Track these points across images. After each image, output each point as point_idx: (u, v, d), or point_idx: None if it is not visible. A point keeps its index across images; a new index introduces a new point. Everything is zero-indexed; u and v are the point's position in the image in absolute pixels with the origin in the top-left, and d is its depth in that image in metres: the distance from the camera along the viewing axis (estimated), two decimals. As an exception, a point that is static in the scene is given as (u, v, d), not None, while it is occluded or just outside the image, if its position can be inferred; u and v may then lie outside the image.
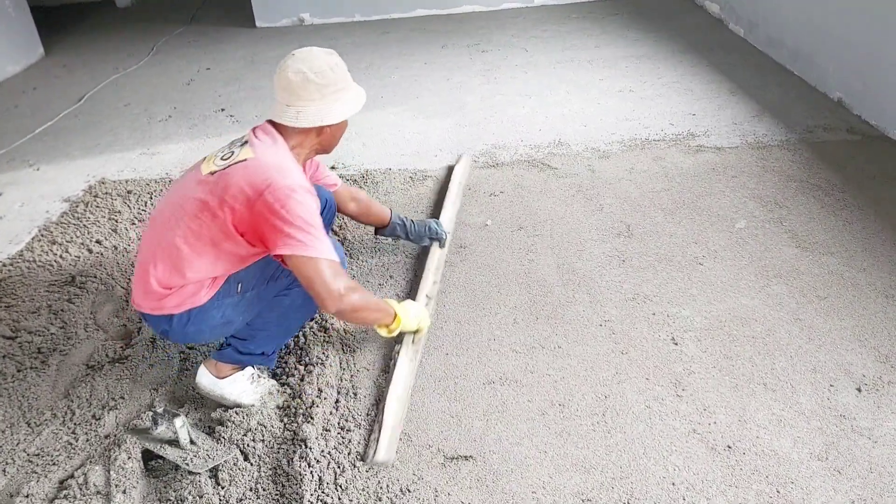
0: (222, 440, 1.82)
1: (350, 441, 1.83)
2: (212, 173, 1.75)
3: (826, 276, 2.38)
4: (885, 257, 2.45)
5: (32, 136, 3.94)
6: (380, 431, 1.80)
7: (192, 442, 1.77)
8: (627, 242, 2.62)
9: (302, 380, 2.03)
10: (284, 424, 1.89)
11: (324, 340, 2.18)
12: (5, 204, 3.19)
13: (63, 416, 1.96)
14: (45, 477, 1.76)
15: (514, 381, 2.02)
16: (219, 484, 1.71)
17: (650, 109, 3.77)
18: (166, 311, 1.78)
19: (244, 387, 1.95)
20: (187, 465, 1.72)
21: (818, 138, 3.33)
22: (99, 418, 1.94)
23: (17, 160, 3.64)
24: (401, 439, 1.84)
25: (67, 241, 2.78)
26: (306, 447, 1.77)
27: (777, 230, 2.64)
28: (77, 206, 3.05)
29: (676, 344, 2.12)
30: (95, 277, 2.54)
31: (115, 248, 2.72)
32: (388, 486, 1.71)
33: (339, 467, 1.75)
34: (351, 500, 1.66)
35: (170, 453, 1.75)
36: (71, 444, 1.87)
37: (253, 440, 1.83)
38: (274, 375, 2.07)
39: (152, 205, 3.03)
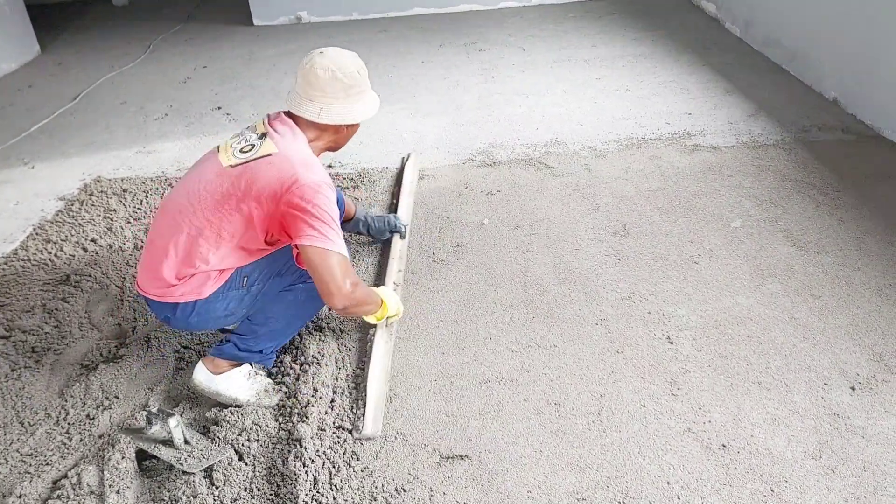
0: (217, 440, 1.82)
1: (345, 441, 1.83)
2: (233, 166, 1.77)
3: (821, 275, 2.38)
4: (879, 256, 2.46)
5: (28, 134, 3.92)
6: (364, 407, 1.89)
7: (186, 442, 1.77)
8: (623, 241, 2.62)
9: (297, 379, 2.02)
10: (279, 424, 1.89)
11: (319, 340, 2.17)
12: (0, 202, 3.18)
13: (57, 416, 1.95)
14: (39, 477, 1.75)
15: (509, 381, 2.02)
16: (213, 484, 1.71)
17: (647, 109, 3.77)
18: (172, 299, 1.81)
19: (240, 383, 1.95)
20: (181, 464, 1.71)
21: (813, 138, 3.33)
22: (93, 418, 1.94)
23: (12, 158, 3.63)
24: (396, 438, 1.84)
25: (62, 240, 2.77)
26: (301, 447, 1.77)
27: (772, 229, 2.64)
28: (72, 205, 3.04)
29: (672, 343, 2.12)
30: (90, 276, 2.53)
31: (111, 247, 2.71)
32: (383, 485, 1.71)
33: (334, 467, 1.74)
34: (346, 500, 1.66)
35: (164, 453, 1.75)
36: (65, 443, 1.86)
37: (248, 440, 1.82)
38: (269, 375, 2.06)
39: (148, 203, 3.02)
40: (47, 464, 1.80)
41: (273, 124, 1.85)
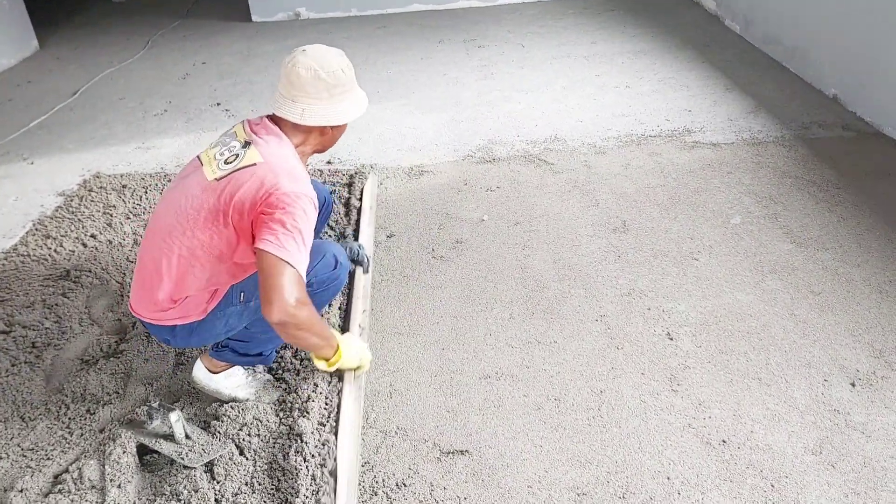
0: (217, 435, 1.82)
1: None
2: (217, 179, 1.69)
3: (820, 272, 2.39)
4: (879, 253, 2.46)
5: (27, 129, 3.91)
6: (335, 484, 1.66)
7: (187, 436, 1.77)
8: (623, 238, 2.63)
9: (297, 374, 2.02)
10: (280, 419, 1.89)
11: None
12: (-1, 198, 3.18)
13: (57, 411, 1.95)
14: (40, 471, 1.75)
15: (509, 376, 2.02)
16: (214, 478, 1.71)
17: (646, 105, 3.77)
18: (169, 323, 1.76)
19: (240, 381, 1.94)
20: (182, 459, 1.71)
21: (813, 135, 3.33)
22: (93, 413, 1.94)
23: (11, 154, 3.62)
24: (396, 433, 1.84)
25: (62, 236, 2.77)
26: (302, 442, 1.77)
27: (772, 226, 2.65)
28: (72, 201, 3.04)
29: (671, 339, 2.13)
30: (90, 272, 2.53)
31: (110, 243, 2.71)
32: (383, 480, 1.71)
33: (334, 461, 1.74)
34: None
35: (165, 448, 1.75)
36: (65, 438, 1.86)
37: (248, 435, 1.82)
38: (270, 370, 2.06)
39: (148, 199, 3.02)
40: (48, 458, 1.80)
41: (256, 130, 1.76)
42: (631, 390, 1.95)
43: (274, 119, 1.80)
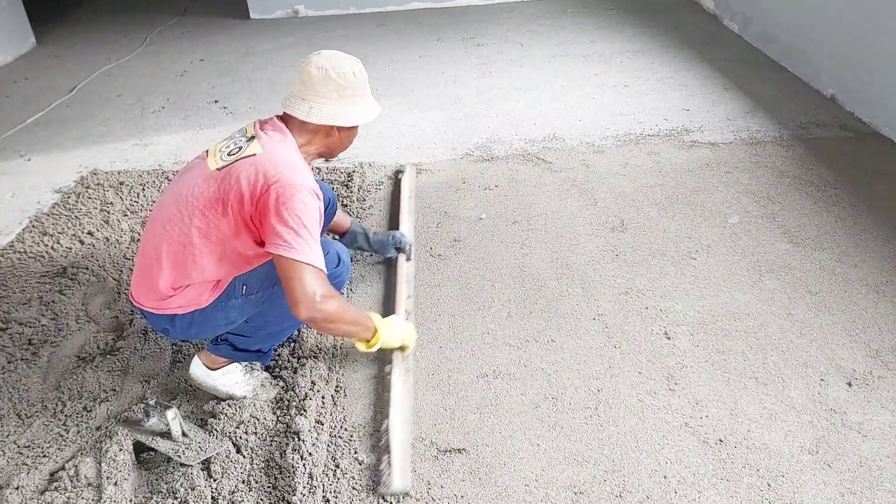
0: (214, 432, 1.82)
1: (343, 436, 1.83)
2: (219, 169, 1.71)
3: (818, 272, 2.39)
4: (876, 253, 2.46)
5: (24, 126, 3.90)
6: (390, 462, 1.71)
7: (184, 434, 1.77)
8: (621, 237, 2.63)
9: (295, 372, 2.02)
10: (277, 417, 1.89)
11: (318, 333, 2.17)
12: (-4, 194, 3.18)
13: (54, 408, 1.95)
14: (36, 469, 1.75)
15: (507, 375, 2.02)
16: (211, 476, 1.71)
17: (644, 105, 3.77)
18: (169, 312, 1.77)
19: (237, 378, 1.94)
20: (179, 457, 1.71)
21: (811, 135, 3.34)
22: (90, 410, 1.93)
23: (8, 150, 3.61)
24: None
25: (59, 233, 2.76)
26: (299, 440, 1.77)
27: (770, 226, 2.65)
28: (69, 197, 3.03)
29: (669, 338, 2.13)
30: (87, 269, 2.52)
31: (107, 240, 2.70)
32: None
33: (332, 460, 1.74)
34: (343, 493, 1.66)
35: (162, 445, 1.74)
36: (62, 435, 1.86)
37: (245, 432, 1.82)
38: (267, 368, 2.06)
39: (145, 196, 3.01)
40: (44, 455, 1.79)
41: (263, 128, 1.79)
42: (628, 389, 1.95)
43: (284, 119, 1.82)
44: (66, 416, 1.92)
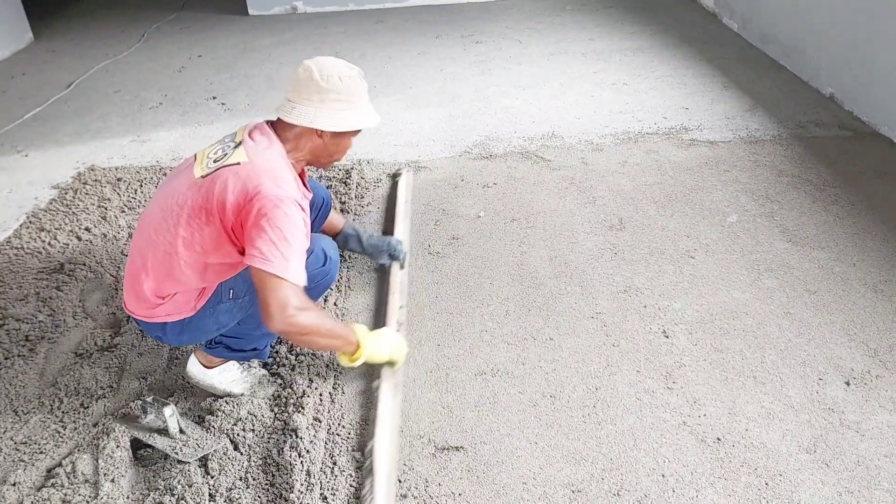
0: (212, 429, 1.81)
1: (339, 431, 1.83)
2: (203, 176, 1.68)
3: (816, 271, 2.39)
4: (875, 252, 2.47)
5: (21, 121, 3.89)
6: (373, 488, 1.61)
7: (181, 431, 1.76)
8: (620, 235, 2.62)
9: (293, 369, 2.02)
10: (275, 414, 1.89)
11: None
12: (-7, 190, 3.17)
13: (51, 405, 1.94)
14: (33, 465, 1.74)
15: (505, 373, 2.02)
16: (208, 473, 1.71)
17: (643, 103, 3.77)
18: (159, 320, 1.75)
19: (234, 376, 1.94)
20: (177, 454, 1.71)
21: (810, 133, 3.34)
22: (87, 407, 1.93)
23: (5, 146, 3.60)
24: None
25: (56, 229, 2.75)
26: (297, 437, 1.77)
27: (768, 224, 2.65)
28: (66, 193, 3.02)
29: (667, 337, 2.13)
30: (84, 265, 2.52)
31: (105, 236, 2.69)
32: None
33: (329, 457, 1.74)
34: (341, 491, 1.66)
35: (159, 442, 1.74)
36: (59, 432, 1.85)
37: (243, 430, 1.82)
38: (265, 365, 2.06)
39: (143, 192, 3.00)
40: (41, 452, 1.79)
41: (252, 133, 1.75)
42: (626, 388, 1.95)
43: (274, 124, 1.79)
44: (63, 412, 1.92)
